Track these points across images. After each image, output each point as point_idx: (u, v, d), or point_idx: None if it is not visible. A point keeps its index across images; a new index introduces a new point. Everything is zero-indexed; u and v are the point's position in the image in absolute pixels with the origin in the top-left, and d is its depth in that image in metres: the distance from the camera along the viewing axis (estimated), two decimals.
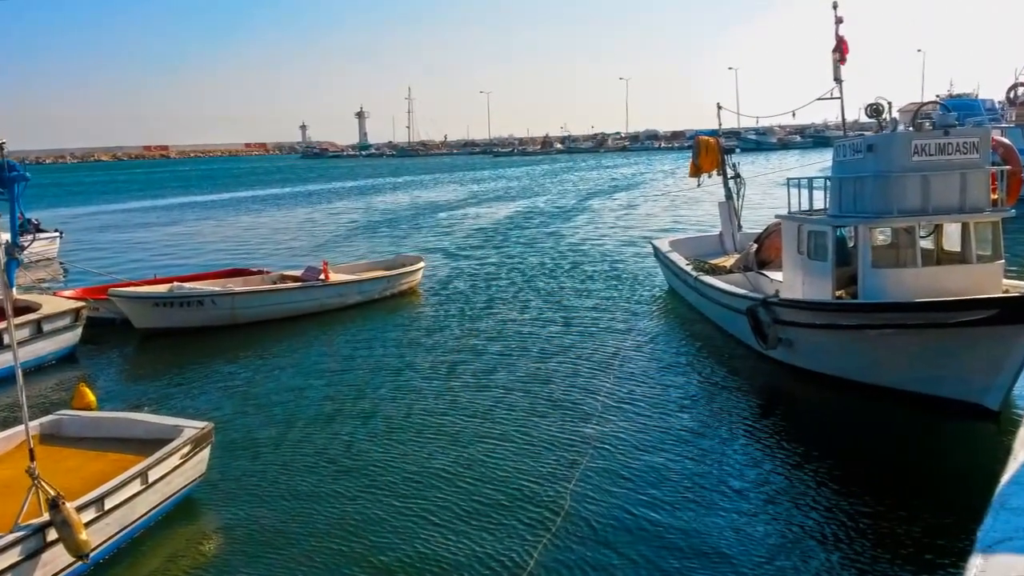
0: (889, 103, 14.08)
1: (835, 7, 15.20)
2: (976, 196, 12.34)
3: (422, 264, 23.88)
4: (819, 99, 16.58)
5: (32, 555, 7.47)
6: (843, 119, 16.87)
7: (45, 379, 15.61)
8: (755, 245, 18.39)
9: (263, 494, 9.98)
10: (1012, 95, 44.08)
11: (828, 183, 14.15)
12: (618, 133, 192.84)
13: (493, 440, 11.40)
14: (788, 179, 15.96)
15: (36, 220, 36.12)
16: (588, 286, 22.65)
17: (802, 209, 15.05)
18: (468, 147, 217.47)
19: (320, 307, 20.32)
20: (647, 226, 37.04)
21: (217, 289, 19.68)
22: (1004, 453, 7.27)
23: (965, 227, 12.44)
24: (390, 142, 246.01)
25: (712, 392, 13.34)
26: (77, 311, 17.24)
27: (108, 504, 8.31)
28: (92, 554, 7.94)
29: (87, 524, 7.84)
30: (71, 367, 16.53)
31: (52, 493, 7.63)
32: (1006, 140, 22.39)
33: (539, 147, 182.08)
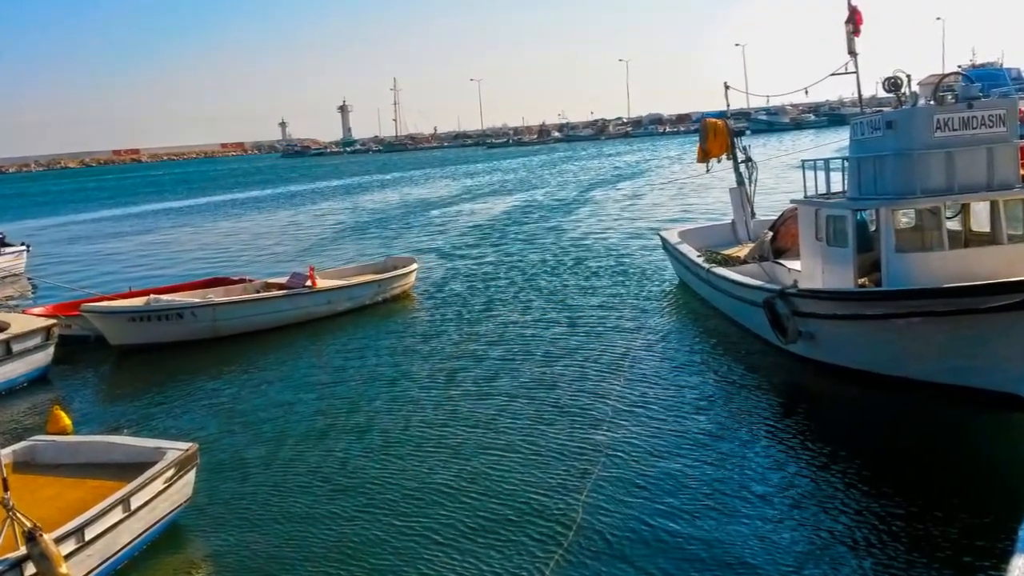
0: (908, 76, 14.08)
1: None
2: (1004, 172, 12.34)
3: (415, 266, 23.87)
4: (833, 74, 16.59)
5: None
6: (859, 95, 16.88)
7: (16, 403, 15.62)
8: (770, 233, 18.39)
9: (254, 517, 9.98)
10: None
11: (846, 164, 14.16)
12: (620, 118, 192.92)
13: (498, 451, 11.40)
14: (803, 161, 15.97)
15: (1, 234, 36.27)
16: (593, 283, 22.67)
17: (819, 193, 15.05)
18: (460, 139, 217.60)
19: (308, 316, 20.31)
20: (654, 217, 37.05)
21: (197, 300, 19.68)
22: None
23: (994, 205, 12.44)
24: (376, 137, 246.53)
25: (730, 392, 13.35)
26: (48, 329, 17.23)
27: (89, 534, 8.31)
28: None
29: (67, 556, 7.83)
30: (44, 389, 16.52)
31: (28, 525, 7.62)
32: None
33: (536, 136, 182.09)
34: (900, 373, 12.16)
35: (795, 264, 15.80)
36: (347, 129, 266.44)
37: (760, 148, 45.37)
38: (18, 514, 7.72)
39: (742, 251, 19.71)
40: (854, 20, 15.23)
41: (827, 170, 14.99)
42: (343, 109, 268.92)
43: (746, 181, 22.51)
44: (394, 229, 41.42)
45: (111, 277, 30.50)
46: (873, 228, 13.43)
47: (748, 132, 31.51)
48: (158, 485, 9.33)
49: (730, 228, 22.82)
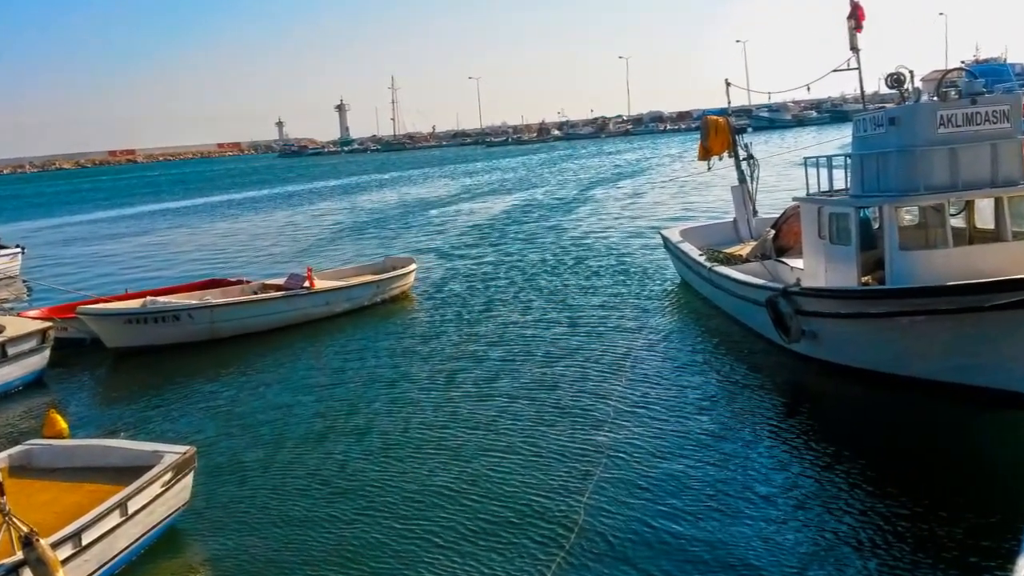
0: (911, 72, 14.08)
1: None
2: (1009, 168, 12.34)
3: (414, 266, 23.87)
4: (835, 71, 16.57)
5: None
6: (862, 91, 16.87)
7: (12, 407, 15.61)
8: (772, 231, 18.39)
9: (252, 521, 9.98)
10: None
11: (848, 161, 14.16)
12: (620, 116, 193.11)
13: (498, 453, 11.40)
14: (805, 158, 15.98)
15: None
16: (594, 283, 22.67)
17: (822, 190, 15.05)
18: (458, 138, 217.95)
19: (306, 317, 20.31)
20: (655, 215, 37.05)
21: (194, 302, 19.67)
22: None
23: (998, 202, 12.44)
24: (374, 136, 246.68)
25: (732, 392, 13.35)
26: (44, 332, 17.23)
27: (86, 539, 8.31)
28: None
29: (64, 561, 7.83)
30: (39, 393, 16.52)
31: (24, 529, 7.62)
32: None
33: (535, 135, 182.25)
34: (904, 372, 12.16)
35: (798, 262, 15.80)
36: (345, 128, 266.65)
37: (762, 145, 45.36)
38: (14, 519, 7.72)
39: (744, 249, 19.70)
40: (856, 16, 15.23)
41: (830, 167, 14.98)
42: (340, 108, 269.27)
43: (748, 179, 22.50)
44: (392, 229, 41.42)
45: (107, 279, 30.49)
46: (876, 226, 13.43)
47: (750, 129, 31.56)
48: (155, 489, 9.33)
49: (732, 226, 22.81)
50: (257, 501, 10.50)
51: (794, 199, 16.43)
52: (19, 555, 7.57)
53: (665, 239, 22.77)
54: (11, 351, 16.36)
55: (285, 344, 18.65)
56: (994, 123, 12.32)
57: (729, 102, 25.04)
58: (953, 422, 11.26)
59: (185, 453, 9.94)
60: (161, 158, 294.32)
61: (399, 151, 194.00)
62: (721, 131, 22.99)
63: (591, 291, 21.62)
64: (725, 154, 23.22)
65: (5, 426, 14.40)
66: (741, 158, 22.73)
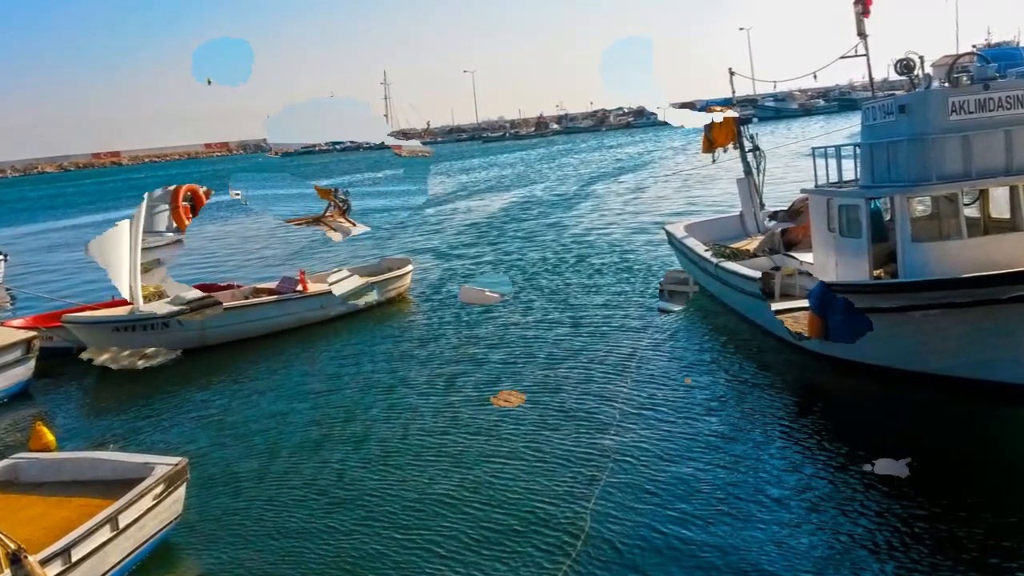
0: (921, 57, 14.10)
1: None
2: None
3: (410, 267, 23.88)
4: (842, 58, 16.59)
5: None
6: (870, 78, 16.89)
7: None
8: (780, 226, 18.38)
9: (247, 533, 9.99)
10: None
11: (858, 151, 14.17)
12: (620, 109, 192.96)
13: (501, 459, 11.41)
14: (813, 149, 15.99)
15: None
16: (596, 281, 22.68)
17: (831, 181, 15.06)
18: (454, 134, 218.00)
19: (299, 321, 20.32)
20: (659, 210, 37.07)
21: (183, 308, 19.65)
22: None
23: (1013, 191, 12.45)
24: None
25: (742, 391, 13.35)
26: (28, 342, 17.24)
27: (76, 555, 8.31)
28: None
29: None
30: (25, 404, 16.53)
31: (12, 546, 7.62)
32: None
33: (533, 129, 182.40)
34: (919, 368, 12.17)
35: (807, 256, 15.81)
36: None
37: (768, 136, 45.46)
38: (1, 535, 7.72)
39: (751, 244, 19.70)
40: (863, 1, 15.25)
41: (838, 157, 14.99)
42: None
43: (754, 171, 22.48)
44: (388, 229, 41.41)
45: (93, 286, 30.37)
46: (888, 217, 13.44)
47: (755, 119, 31.50)
48: (147, 502, 9.33)
49: (738, 220, 22.79)
50: (252, 513, 10.51)
51: (802, 191, 16.46)
52: (7, 573, 7.57)
53: (669, 235, 22.75)
54: None
55: (278, 350, 18.66)
56: (1008, 109, 12.34)
57: (733, 92, 25.05)
58: (970, 419, 11.27)
59: (177, 465, 9.94)
60: (147, 160, 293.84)
61: None
62: (726, 122, 22.97)
63: (593, 290, 21.63)
64: (730, 146, 23.20)
65: None
66: (747, 150, 22.72)
